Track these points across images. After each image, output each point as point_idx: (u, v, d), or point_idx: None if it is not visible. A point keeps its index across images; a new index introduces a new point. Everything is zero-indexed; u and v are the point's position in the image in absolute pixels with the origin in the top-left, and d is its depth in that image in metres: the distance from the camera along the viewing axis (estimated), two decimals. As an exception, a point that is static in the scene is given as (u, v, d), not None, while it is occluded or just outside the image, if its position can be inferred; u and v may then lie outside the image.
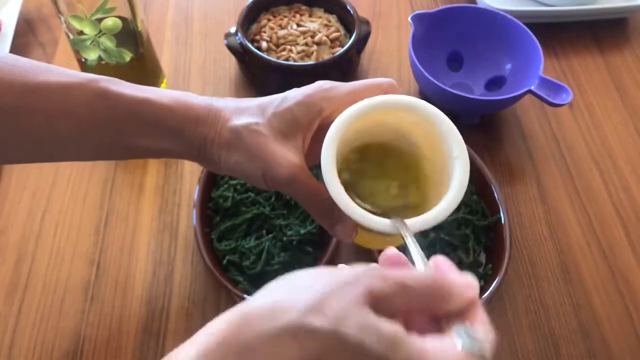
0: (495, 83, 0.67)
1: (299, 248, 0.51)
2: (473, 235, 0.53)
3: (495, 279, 0.50)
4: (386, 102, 0.36)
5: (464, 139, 0.58)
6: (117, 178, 0.59)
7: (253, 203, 0.53)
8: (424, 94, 0.67)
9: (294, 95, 0.39)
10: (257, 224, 0.53)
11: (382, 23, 0.76)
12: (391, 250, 0.30)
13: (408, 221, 0.34)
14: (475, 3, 0.75)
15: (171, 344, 0.49)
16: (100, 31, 0.53)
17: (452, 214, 0.53)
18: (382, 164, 0.40)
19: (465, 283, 0.27)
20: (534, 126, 0.66)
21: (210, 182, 0.56)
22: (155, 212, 0.57)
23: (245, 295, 0.48)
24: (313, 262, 0.52)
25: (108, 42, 0.54)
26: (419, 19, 0.64)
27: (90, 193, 0.58)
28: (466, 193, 0.54)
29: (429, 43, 0.65)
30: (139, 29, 0.56)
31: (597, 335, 0.52)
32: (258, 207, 0.53)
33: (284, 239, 0.51)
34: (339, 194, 0.34)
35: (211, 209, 0.54)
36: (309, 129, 0.39)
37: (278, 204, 0.54)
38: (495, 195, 0.55)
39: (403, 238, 0.33)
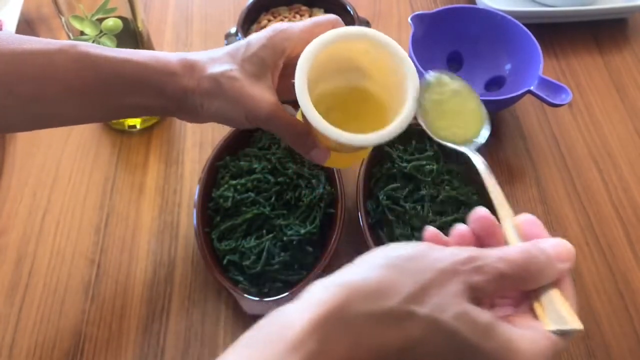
0: (494, 83, 0.67)
1: (299, 248, 0.51)
2: (473, 235, 0.53)
3: (495, 279, 0.50)
4: (343, 33, 0.41)
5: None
6: (117, 178, 0.59)
7: (253, 203, 0.53)
8: (424, 94, 0.67)
9: (257, 40, 0.42)
10: (257, 223, 0.53)
11: (382, 23, 0.76)
12: (482, 213, 0.31)
13: (375, 134, 0.39)
14: (475, 3, 0.75)
15: (172, 343, 0.49)
16: (100, 31, 0.53)
17: (451, 215, 0.54)
18: (343, 104, 0.45)
19: (558, 256, 0.28)
20: (534, 126, 0.66)
21: (211, 182, 0.56)
22: (156, 212, 0.57)
23: (245, 295, 0.49)
24: (313, 261, 0.52)
25: (109, 42, 0.54)
26: (418, 19, 0.64)
27: (90, 193, 0.58)
28: (466, 193, 0.55)
29: (429, 43, 0.65)
30: (140, 29, 0.56)
31: (597, 335, 0.52)
32: (258, 207, 0.53)
33: (284, 238, 0.51)
34: (311, 111, 0.38)
35: (211, 209, 0.55)
36: (276, 68, 0.43)
37: (278, 204, 0.54)
38: (495, 195, 0.55)
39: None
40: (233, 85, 0.41)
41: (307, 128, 0.43)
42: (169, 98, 0.43)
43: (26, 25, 0.72)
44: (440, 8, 0.66)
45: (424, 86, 0.40)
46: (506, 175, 0.62)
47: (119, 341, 0.49)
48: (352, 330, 0.25)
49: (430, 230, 0.31)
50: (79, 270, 0.53)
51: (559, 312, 0.27)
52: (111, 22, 0.53)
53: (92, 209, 0.57)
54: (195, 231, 0.52)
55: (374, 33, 0.41)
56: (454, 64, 0.69)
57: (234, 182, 0.54)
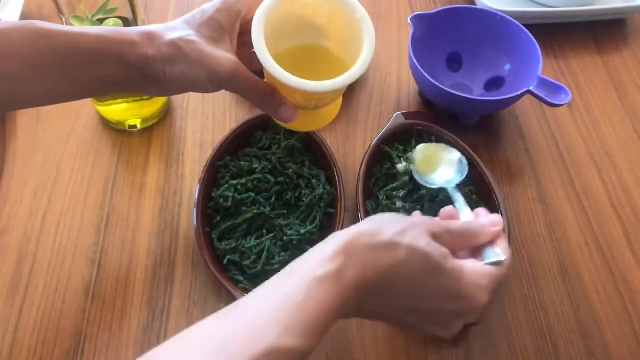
0: (494, 83, 0.67)
1: (299, 248, 0.52)
2: (472, 235, 0.53)
3: (494, 279, 0.50)
4: None
5: (463, 139, 0.59)
6: (118, 178, 0.60)
7: (253, 203, 0.54)
8: (424, 94, 0.67)
9: (212, 5, 0.44)
10: (258, 223, 0.53)
11: (382, 23, 0.77)
12: (448, 208, 0.45)
13: (334, 80, 0.41)
14: (475, 4, 0.76)
15: (172, 343, 0.50)
16: (101, 32, 0.53)
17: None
18: (303, 63, 0.47)
19: (490, 224, 0.43)
20: (533, 126, 0.67)
21: (211, 182, 0.56)
22: (156, 212, 0.57)
23: (246, 295, 0.49)
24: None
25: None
26: (418, 19, 0.64)
27: (91, 193, 0.58)
28: (466, 193, 0.55)
29: (429, 44, 0.65)
30: (140, 30, 0.56)
31: (596, 335, 0.52)
32: (258, 207, 0.53)
33: (284, 238, 0.51)
34: (270, 62, 0.40)
35: (212, 209, 0.55)
36: (233, 30, 0.44)
37: (278, 204, 0.54)
38: (495, 195, 0.55)
39: (453, 203, 0.49)
40: (192, 47, 0.42)
41: (272, 87, 0.43)
42: (131, 67, 0.43)
43: (26, 26, 0.72)
44: (440, 8, 0.66)
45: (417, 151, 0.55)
46: (506, 175, 0.62)
47: (119, 341, 0.50)
48: (361, 254, 0.36)
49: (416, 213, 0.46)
50: (80, 270, 0.53)
51: (490, 252, 0.41)
52: (112, 23, 0.53)
53: (92, 209, 0.57)
54: (195, 231, 0.52)
55: None
56: (454, 64, 0.69)
57: (234, 182, 0.55)
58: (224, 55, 0.42)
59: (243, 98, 0.45)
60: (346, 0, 0.43)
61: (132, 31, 0.43)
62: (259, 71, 0.42)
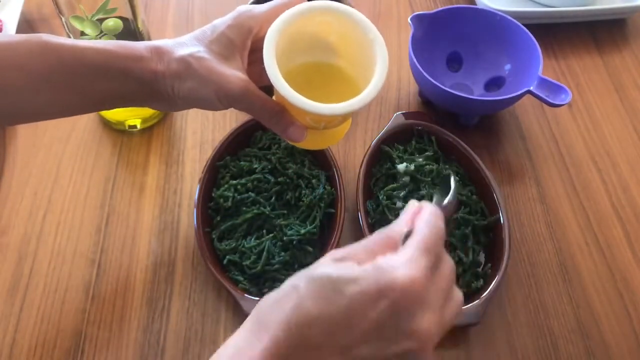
0: (494, 83, 0.67)
1: (299, 248, 0.52)
2: (472, 235, 0.53)
3: (494, 279, 0.50)
4: (307, 6, 0.42)
5: (463, 139, 0.59)
6: (118, 178, 0.60)
7: (253, 203, 0.54)
8: (424, 94, 0.67)
9: (223, 21, 0.43)
10: (258, 223, 0.53)
11: (382, 23, 0.76)
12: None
13: (344, 103, 0.40)
14: (475, 4, 0.76)
15: (172, 343, 0.50)
16: (101, 32, 0.53)
17: (452, 214, 0.53)
18: (314, 82, 0.46)
19: (405, 211, 0.37)
20: (533, 126, 0.67)
21: (211, 182, 0.56)
22: (156, 212, 0.57)
23: (245, 295, 0.49)
24: (313, 261, 0.52)
25: (109, 43, 0.54)
26: (418, 19, 0.64)
27: (91, 193, 0.58)
28: (466, 193, 0.55)
29: (429, 43, 0.65)
30: (140, 30, 0.56)
31: (596, 335, 0.52)
32: (258, 207, 0.53)
33: (284, 238, 0.51)
34: (281, 82, 0.39)
35: (212, 209, 0.55)
36: (244, 48, 0.43)
37: (278, 204, 0.54)
38: (495, 195, 0.55)
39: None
40: (202, 64, 0.42)
41: (281, 106, 0.42)
42: (139, 82, 0.43)
43: (27, 26, 0.72)
44: (440, 8, 0.66)
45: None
46: (506, 175, 0.62)
47: (119, 341, 0.50)
48: (268, 315, 0.32)
49: None
50: (80, 270, 0.53)
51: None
52: (111, 23, 0.53)
53: (92, 208, 0.57)
54: (195, 231, 0.52)
55: (337, 4, 0.42)
56: (454, 64, 0.69)
57: (234, 182, 0.55)
58: (234, 73, 0.42)
59: (251, 116, 0.44)
60: (359, 20, 0.42)
61: (141, 46, 0.43)
62: (268, 87, 0.42)
